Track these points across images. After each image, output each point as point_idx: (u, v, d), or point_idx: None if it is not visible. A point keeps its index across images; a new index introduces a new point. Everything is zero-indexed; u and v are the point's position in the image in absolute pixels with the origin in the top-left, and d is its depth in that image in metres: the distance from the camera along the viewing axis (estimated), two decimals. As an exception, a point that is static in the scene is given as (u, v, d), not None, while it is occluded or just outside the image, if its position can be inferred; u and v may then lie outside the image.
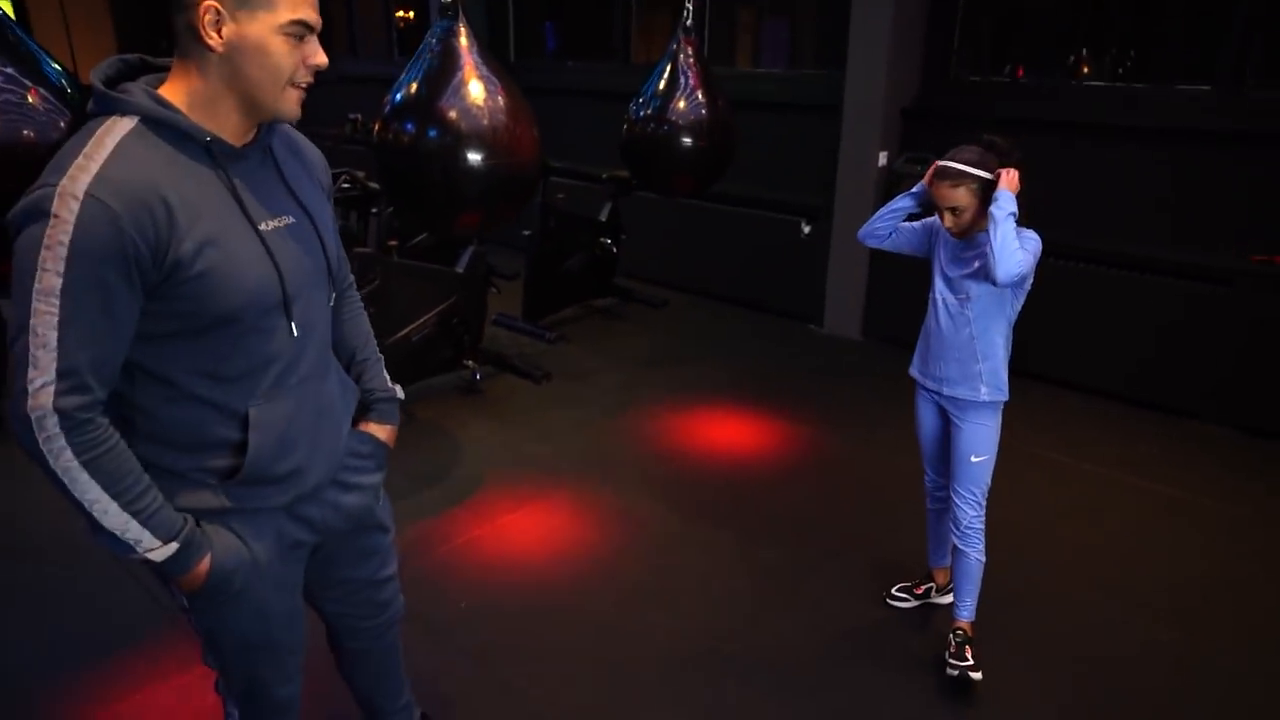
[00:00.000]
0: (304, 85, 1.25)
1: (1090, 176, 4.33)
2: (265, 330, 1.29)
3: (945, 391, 2.31)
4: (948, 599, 2.61)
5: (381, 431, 1.61)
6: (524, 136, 3.02)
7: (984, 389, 2.26)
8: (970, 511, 2.34)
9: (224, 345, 1.25)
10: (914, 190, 2.33)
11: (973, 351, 2.24)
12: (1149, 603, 2.72)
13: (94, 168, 1.11)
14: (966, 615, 2.42)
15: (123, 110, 1.17)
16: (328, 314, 1.45)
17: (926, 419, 2.46)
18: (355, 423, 1.58)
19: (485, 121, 2.92)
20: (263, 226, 1.26)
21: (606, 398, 4.24)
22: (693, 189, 4.67)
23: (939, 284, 2.29)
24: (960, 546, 2.37)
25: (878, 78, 4.67)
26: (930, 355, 2.34)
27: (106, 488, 1.19)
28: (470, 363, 4.19)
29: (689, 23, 4.30)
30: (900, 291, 4.45)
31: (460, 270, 4.03)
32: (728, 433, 3.94)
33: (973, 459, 2.30)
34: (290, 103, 1.24)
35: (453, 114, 2.90)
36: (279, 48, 1.19)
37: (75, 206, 1.09)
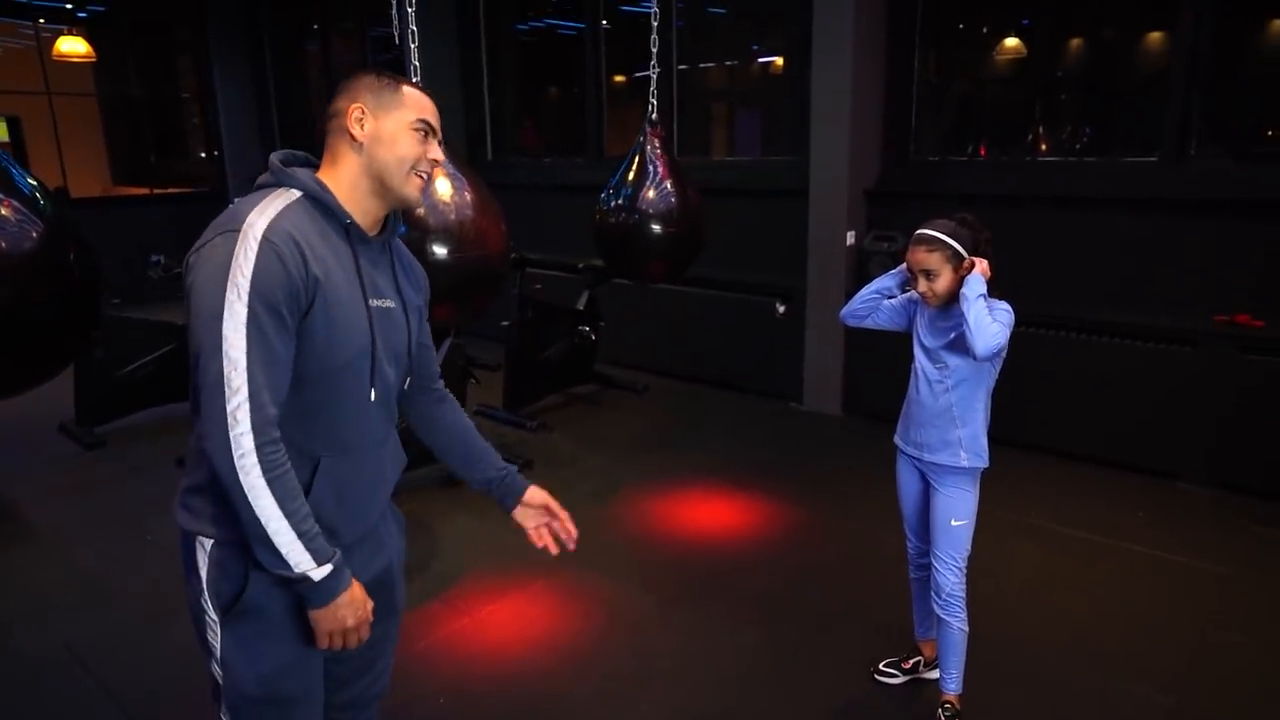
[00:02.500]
0: (424, 175, 1.49)
1: (1051, 246, 4.45)
2: (353, 388, 1.45)
3: (925, 457, 2.35)
4: (935, 673, 2.56)
5: (539, 492, 1.77)
6: (491, 230, 3.10)
7: (963, 455, 2.29)
8: (951, 578, 2.33)
9: (319, 393, 1.40)
10: (894, 271, 2.41)
11: (951, 418, 2.29)
12: (1140, 670, 2.67)
13: (267, 218, 1.32)
14: (953, 688, 2.39)
15: (290, 184, 1.41)
16: (396, 390, 1.59)
17: (908, 484, 2.48)
18: (510, 502, 1.76)
19: (453, 216, 3.00)
20: (372, 302, 1.45)
21: (588, 484, 4.23)
22: (665, 275, 4.75)
23: (918, 354, 2.36)
24: (942, 615, 2.35)
25: (840, 162, 4.83)
26: (911, 422, 2.39)
27: (282, 506, 1.30)
28: (450, 454, 4.17)
29: (654, 116, 4.47)
30: (879, 367, 4.51)
31: (438, 362, 4.06)
32: (710, 514, 3.91)
33: (953, 523, 2.31)
34: (413, 188, 1.48)
35: (420, 210, 2.98)
36: (406, 139, 1.45)
37: (255, 247, 1.28)
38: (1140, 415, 4.10)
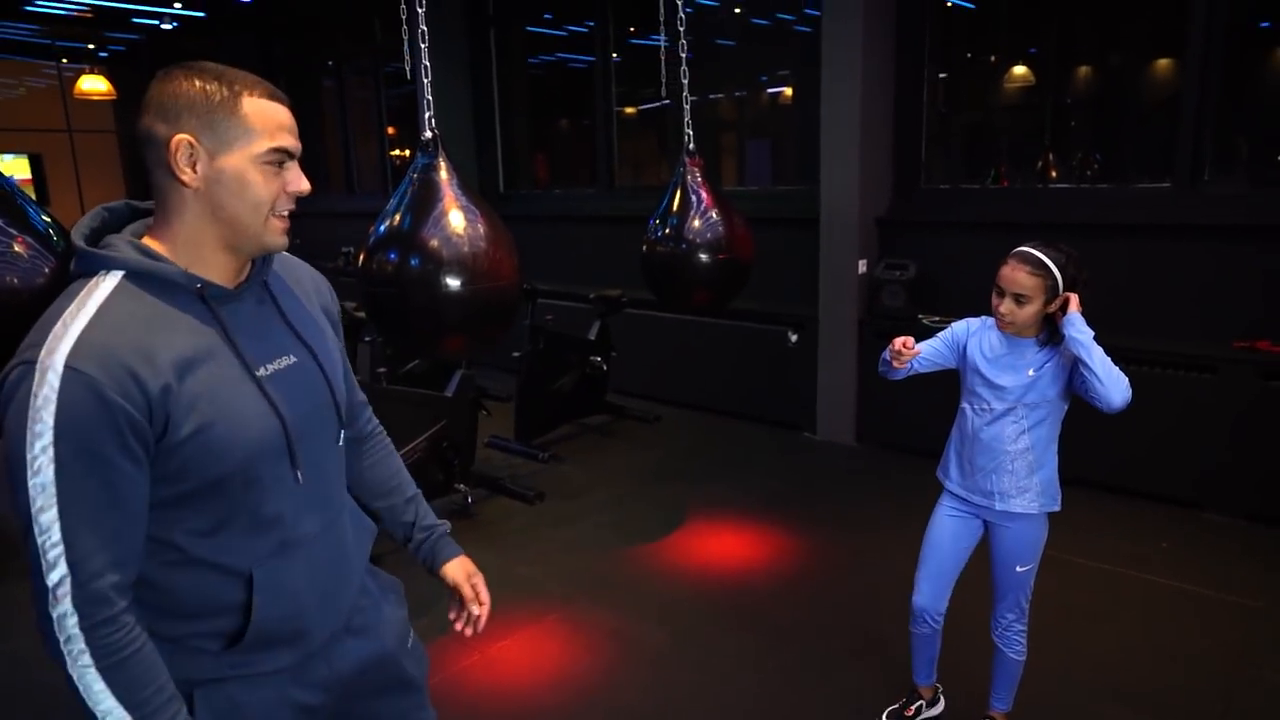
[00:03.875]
0: (285, 214, 1.19)
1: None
2: (269, 482, 1.19)
3: (998, 506, 2.18)
4: (938, 709, 2.52)
5: (461, 568, 1.55)
6: (504, 261, 3.10)
7: (1039, 500, 2.17)
8: (1012, 615, 2.27)
9: (225, 503, 1.16)
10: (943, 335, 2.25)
11: (1028, 462, 2.15)
12: (1173, 710, 2.60)
13: (73, 335, 1.04)
14: (1004, 707, 2.37)
15: (106, 267, 1.10)
16: (336, 453, 1.35)
17: (949, 533, 2.28)
18: (433, 568, 1.54)
19: (466, 248, 3.00)
20: (261, 372, 1.18)
21: (600, 516, 4.19)
22: (712, 303, 4.68)
23: (982, 392, 2.17)
24: (1002, 648, 2.31)
25: (851, 190, 4.83)
26: (976, 468, 2.20)
27: (122, 699, 1.08)
28: (462, 486, 4.16)
29: (690, 146, 4.46)
30: (893, 396, 4.46)
31: (449, 394, 4.06)
32: (723, 546, 3.86)
33: (1018, 569, 2.22)
34: (275, 233, 1.18)
35: (434, 242, 2.98)
36: (257, 178, 1.14)
37: (55, 381, 1.01)
38: (1161, 443, 4.04)
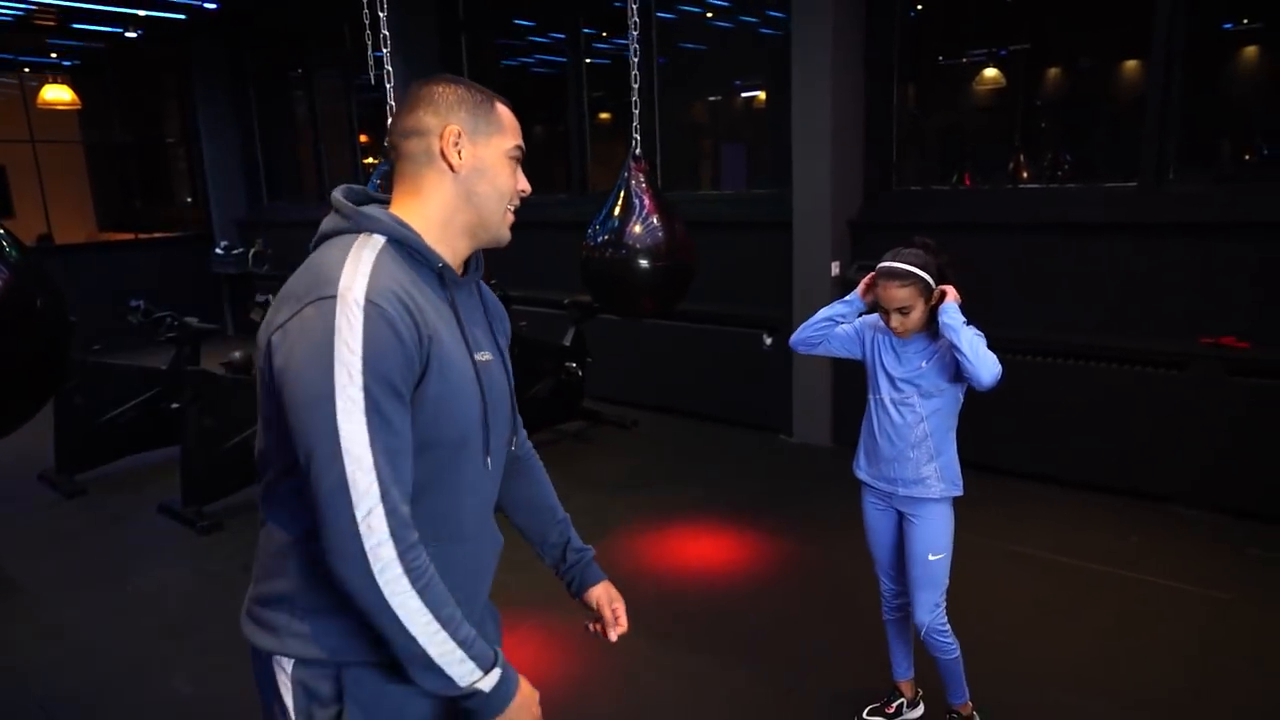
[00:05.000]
0: (515, 209, 1.29)
1: (1036, 272, 4.46)
2: (465, 463, 1.23)
3: (900, 492, 2.28)
4: (919, 711, 2.52)
5: (605, 592, 1.60)
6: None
7: (940, 485, 2.24)
8: (930, 615, 2.27)
9: (429, 471, 1.17)
10: (848, 298, 2.33)
11: (927, 449, 2.23)
12: (1142, 701, 2.62)
13: (364, 274, 1.09)
14: (962, 698, 2.38)
15: (369, 228, 1.18)
16: (505, 457, 1.38)
17: (879, 523, 2.40)
18: (579, 592, 1.60)
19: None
20: (477, 357, 1.23)
21: (576, 522, 4.12)
22: (656, 309, 4.72)
23: (883, 385, 2.28)
24: (933, 652, 2.30)
25: (823, 193, 4.85)
26: (880, 457, 2.30)
27: (438, 617, 1.10)
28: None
29: (637, 151, 4.47)
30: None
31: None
32: (701, 551, 3.85)
33: (930, 557, 2.26)
34: (507, 225, 1.29)
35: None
36: (506, 170, 1.25)
37: (358, 315, 1.06)
38: (1131, 439, 4.08)
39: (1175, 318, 4.08)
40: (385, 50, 2.94)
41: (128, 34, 8.34)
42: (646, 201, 4.42)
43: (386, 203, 1.26)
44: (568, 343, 5.35)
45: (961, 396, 2.23)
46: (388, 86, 2.97)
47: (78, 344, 4.85)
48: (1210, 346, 3.90)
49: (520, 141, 1.27)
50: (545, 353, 5.26)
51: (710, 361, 5.65)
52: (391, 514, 1.07)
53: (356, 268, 1.10)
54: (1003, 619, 3.08)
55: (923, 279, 2.13)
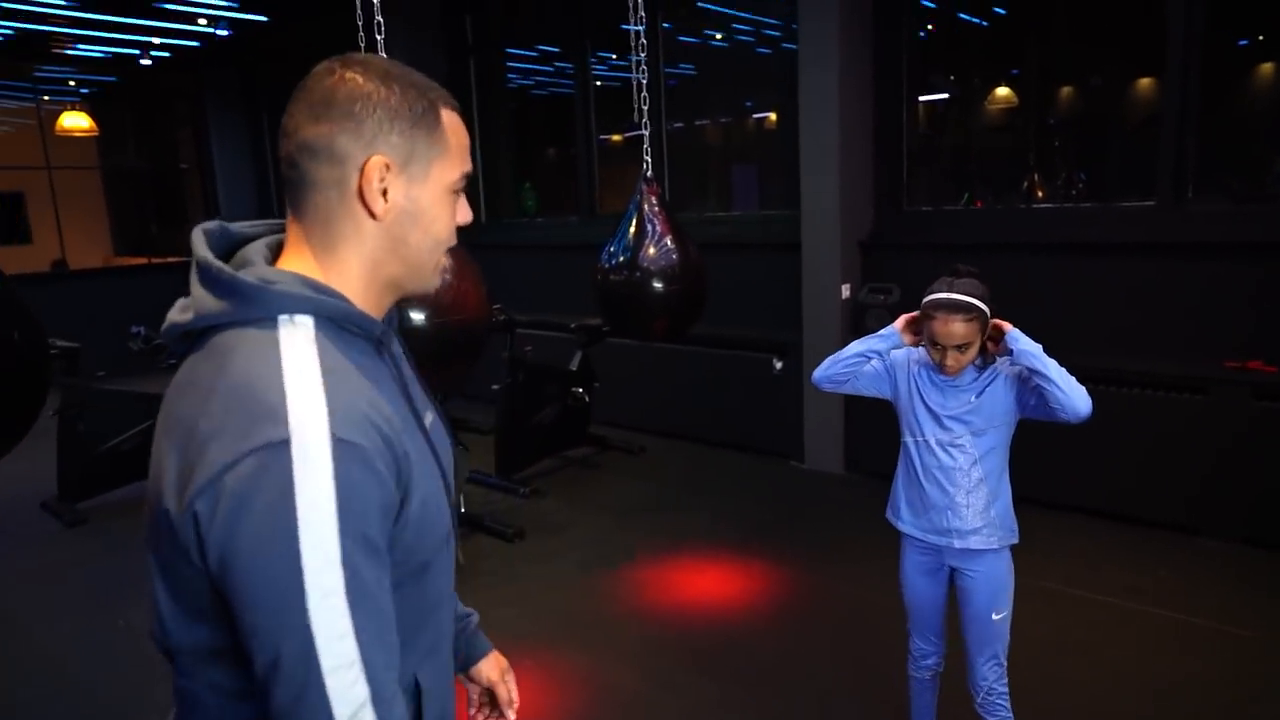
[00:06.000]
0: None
1: (1052, 294, 4.34)
2: (442, 562, 0.99)
3: (957, 545, 2.05)
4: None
5: (495, 665, 1.33)
6: (470, 293, 3.02)
7: (999, 533, 2.04)
8: (993, 675, 2.11)
9: (417, 598, 0.94)
10: (883, 333, 2.13)
11: (983, 494, 2.02)
12: (1166, 747, 2.48)
13: (318, 399, 0.80)
14: None
15: (290, 309, 0.86)
16: None
17: (925, 582, 2.16)
18: (465, 666, 1.30)
19: (429, 281, 2.92)
20: (427, 424, 0.98)
21: (580, 553, 4.07)
22: (669, 332, 4.63)
23: (926, 425, 2.07)
24: (985, 716, 2.14)
25: (832, 214, 4.76)
26: (929, 505, 2.07)
27: None
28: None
29: (649, 173, 4.41)
30: (881, 422, 4.36)
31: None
32: (708, 582, 3.74)
33: (994, 616, 2.07)
34: (439, 273, 1.00)
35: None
36: (447, 210, 0.95)
37: (328, 461, 0.78)
38: (1153, 467, 3.94)
39: (1198, 341, 3.95)
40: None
41: (142, 61, 8.43)
42: (659, 224, 4.35)
43: (259, 236, 0.97)
44: (574, 367, 5.28)
45: (1012, 433, 2.06)
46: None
47: (84, 369, 4.85)
48: (1236, 370, 3.77)
49: (468, 166, 0.97)
50: (550, 378, 5.18)
51: (719, 386, 5.55)
52: (383, 703, 0.82)
53: (302, 384, 0.81)
54: (1016, 657, 2.94)
55: (983, 311, 1.94)
